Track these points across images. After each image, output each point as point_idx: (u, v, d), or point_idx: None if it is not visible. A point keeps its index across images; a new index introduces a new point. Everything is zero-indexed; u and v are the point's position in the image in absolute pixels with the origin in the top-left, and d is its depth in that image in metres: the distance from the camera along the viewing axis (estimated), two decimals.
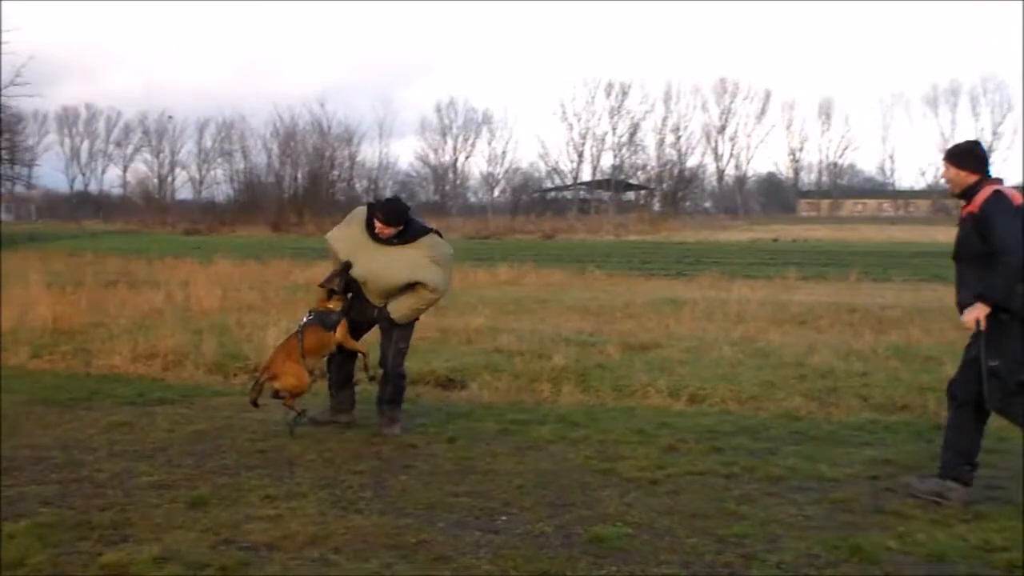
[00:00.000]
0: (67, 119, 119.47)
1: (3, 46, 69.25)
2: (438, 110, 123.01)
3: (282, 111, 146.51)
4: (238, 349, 11.89)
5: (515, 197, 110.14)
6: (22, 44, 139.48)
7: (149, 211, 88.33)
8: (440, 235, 8.49)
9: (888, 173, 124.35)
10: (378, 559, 5.28)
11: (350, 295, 8.44)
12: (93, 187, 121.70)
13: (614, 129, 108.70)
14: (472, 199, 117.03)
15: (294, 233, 65.84)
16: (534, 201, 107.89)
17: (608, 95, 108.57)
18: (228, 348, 12.03)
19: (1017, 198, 6.15)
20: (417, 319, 8.64)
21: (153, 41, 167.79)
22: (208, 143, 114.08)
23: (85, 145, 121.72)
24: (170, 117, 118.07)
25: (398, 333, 8.46)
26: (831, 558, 5.38)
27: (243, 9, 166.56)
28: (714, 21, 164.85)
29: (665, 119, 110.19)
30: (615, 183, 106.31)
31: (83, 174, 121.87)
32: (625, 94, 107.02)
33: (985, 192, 6.17)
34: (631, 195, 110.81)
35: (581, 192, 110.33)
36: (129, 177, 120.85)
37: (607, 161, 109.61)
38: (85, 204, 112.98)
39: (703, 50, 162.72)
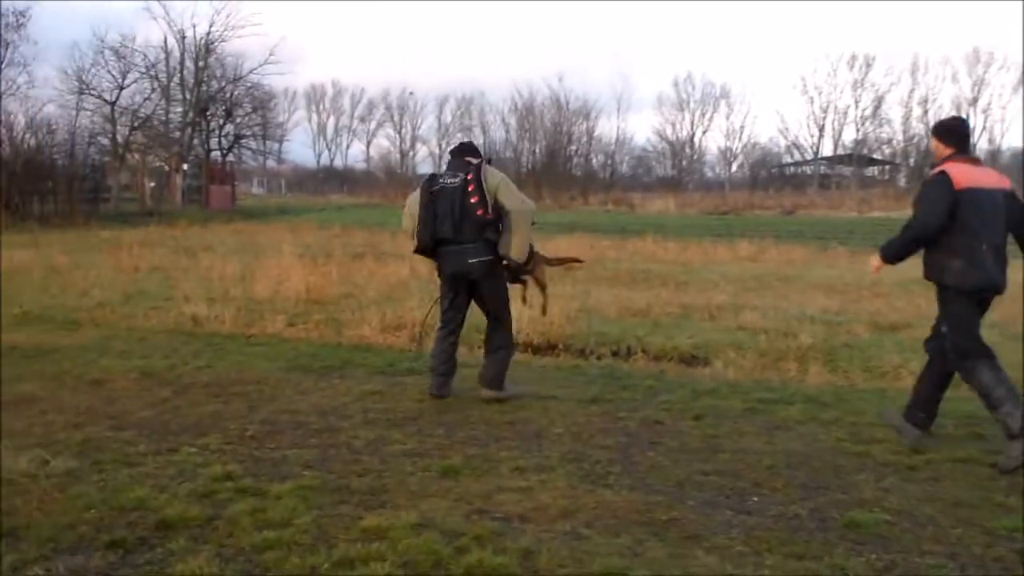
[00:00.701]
0: (315, 96, 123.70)
1: (256, 27, 72.34)
2: (675, 84, 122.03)
3: (520, 86, 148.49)
4: (482, 322, 12.08)
5: (753, 172, 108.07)
6: (274, 24, 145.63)
7: (391, 185, 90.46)
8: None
9: None
10: (629, 535, 5.28)
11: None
12: (338, 162, 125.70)
13: (857, 102, 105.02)
14: (709, 174, 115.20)
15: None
16: (772, 176, 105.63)
17: (851, 67, 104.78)
18: (472, 321, 12.24)
19: (962, 181, 6.74)
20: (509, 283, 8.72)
21: (395, 18, 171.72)
22: (448, 118, 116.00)
23: (331, 121, 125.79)
24: (411, 93, 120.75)
25: (497, 292, 8.63)
26: None
27: None
28: None
29: (912, 91, 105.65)
30: (857, 158, 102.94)
31: (329, 149, 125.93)
32: (869, 66, 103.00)
33: (940, 167, 6.90)
34: (874, 170, 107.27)
35: (822, 167, 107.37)
36: (372, 152, 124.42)
37: (849, 135, 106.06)
38: (331, 178, 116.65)
39: (953, 19, 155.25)
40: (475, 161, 8.25)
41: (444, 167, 8.49)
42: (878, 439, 7.25)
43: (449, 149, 8.91)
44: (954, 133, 7.14)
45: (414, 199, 8.42)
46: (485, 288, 8.41)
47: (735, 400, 8.51)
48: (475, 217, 8.03)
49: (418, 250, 8.44)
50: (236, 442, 7.05)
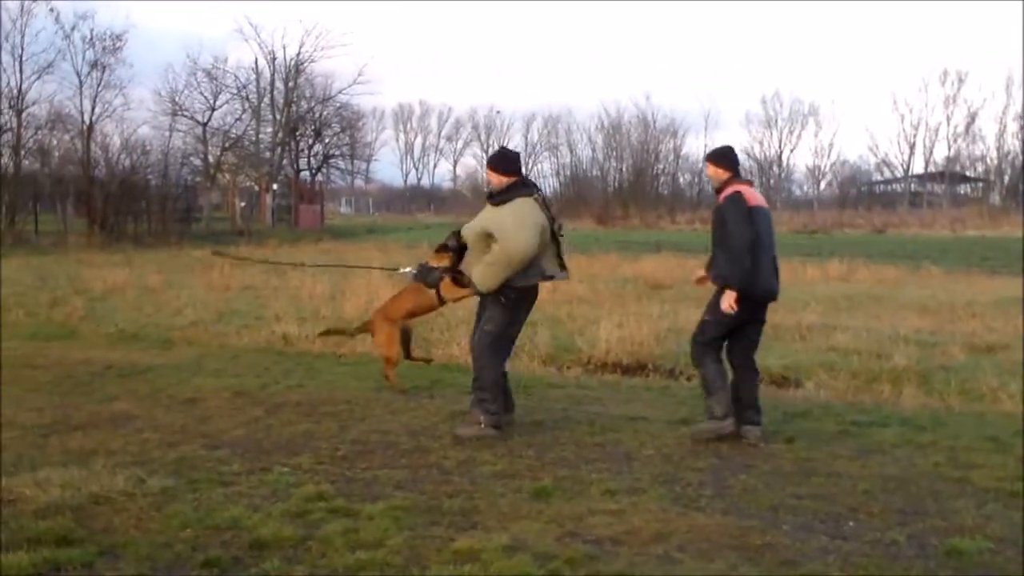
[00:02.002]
0: (402, 115, 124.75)
1: (345, 47, 73.02)
2: (763, 102, 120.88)
3: (607, 104, 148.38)
4: (571, 342, 12.08)
5: (842, 190, 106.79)
6: (363, 44, 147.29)
7: (478, 204, 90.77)
8: (540, 198, 7.98)
9: None
10: (723, 560, 5.21)
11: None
12: (425, 181, 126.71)
13: (949, 119, 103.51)
14: (797, 192, 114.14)
15: (619, 227, 66.44)
16: (862, 194, 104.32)
17: (943, 83, 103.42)
18: (561, 341, 12.24)
19: (752, 199, 7.65)
20: (510, 300, 7.94)
21: (482, 38, 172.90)
22: (534, 136, 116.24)
23: (418, 140, 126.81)
24: (498, 112, 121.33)
25: (486, 314, 8.13)
26: None
27: (569, 5, 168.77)
28: None
29: (1006, 107, 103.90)
30: (949, 175, 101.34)
31: (416, 168, 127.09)
32: (962, 82, 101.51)
33: (728, 190, 7.69)
34: (967, 188, 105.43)
35: (912, 185, 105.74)
36: (459, 171, 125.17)
37: (941, 152, 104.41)
38: (418, 197, 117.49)
39: None
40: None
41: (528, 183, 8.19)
42: (978, 464, 7.09)
43: (505, 158, 8.37)
44: (729, 159, 7.95)
45: (539, 214, 7.88)
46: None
47: (828, 422, 8.40)
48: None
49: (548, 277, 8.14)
50: (328, 462, 7.09)
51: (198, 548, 5.24)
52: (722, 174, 7.88)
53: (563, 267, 8.13)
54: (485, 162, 8.28)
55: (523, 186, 7.99)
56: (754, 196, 7.77)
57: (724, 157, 7.98)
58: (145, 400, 9.18)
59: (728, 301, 7.54)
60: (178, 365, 11.11)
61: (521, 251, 7.65)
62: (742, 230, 7.52)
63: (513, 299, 7.90)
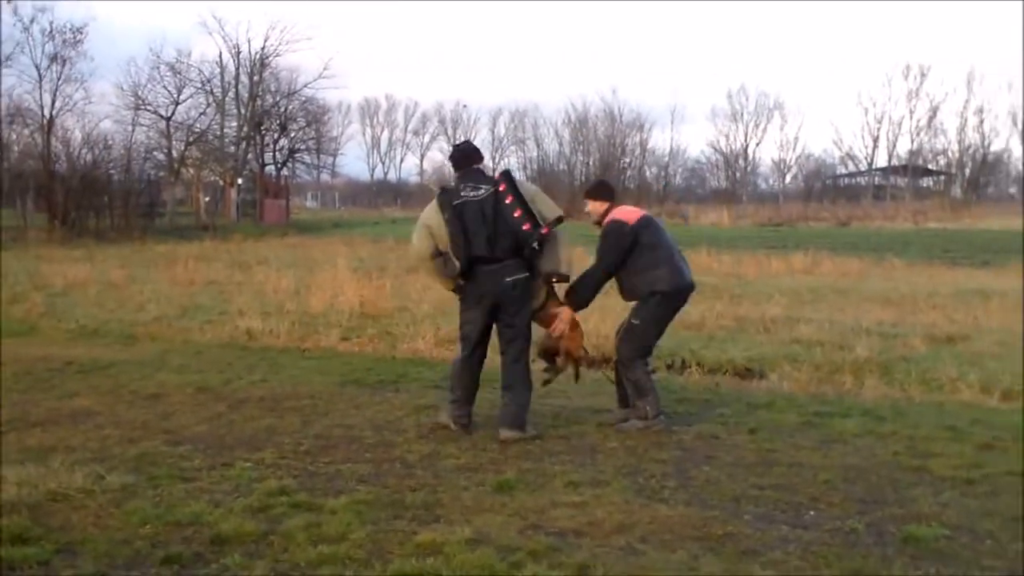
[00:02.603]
0: (368, 109, 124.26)
1: (310, 41, 72.94)
2: (729, 96, 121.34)
3: (574, 99, 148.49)
4: (535, 336, 12.04)
5: (807, 184, 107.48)
6: (328, 39, 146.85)
7: None
8: (443, 200, 7.70)
9: None
10: (685, 550, 5.23)
11: None
12: (392, 175, 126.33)
13: (912, 112, 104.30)
14: (763, 186, 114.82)
15: (586, 220, 66.22)
16: (826, 188, 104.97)
17: (906, 77, 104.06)
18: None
19: (631, 218, 7.95)
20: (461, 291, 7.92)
21: (448, 32, 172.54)
22: (501, 131, 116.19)
23: (385, 135, 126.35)
24: (465, 106, 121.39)
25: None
26: None
27: (536, 2, 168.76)
28: None
29: (967, 101, 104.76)
30: (912, 168, 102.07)
31: (383, 163, 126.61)
32: (924, 76, 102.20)
33: (609, 217, 7.99)
34: (929, 181, 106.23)
35: (876, 178, 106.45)
36: (426, 165, 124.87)
37: (904, 146, 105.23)
38: (384, 192, 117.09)
39: (1008, 29, 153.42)
40: (482, 166, 7.96)
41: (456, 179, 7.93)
42: (936, 453, 7.17)
43: (450, 156, 8.23)
44: (606, 189, 8.37)
45: (432, 215, 7.73)
46: (513, 310, 7.69)
47: (791, 414, 8.44)
48: (521, 232, 7.45)
49: (460, 272, 7.64)
50: (291, 456, 7.07)
51: (158, 544, 5.22)
52: (601, 206, 8.12)
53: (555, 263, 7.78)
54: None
55: (443, 191, 7.87)
56: (632, 213, 8.05)
57: (599, 190, 8.32)
58: (106, 396, 9.12)
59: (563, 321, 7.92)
60: (140, 361, 11.05)
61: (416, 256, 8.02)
62: (614, 257, 7.89)
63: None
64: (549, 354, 8.14)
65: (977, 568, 5.03)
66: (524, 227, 7.48)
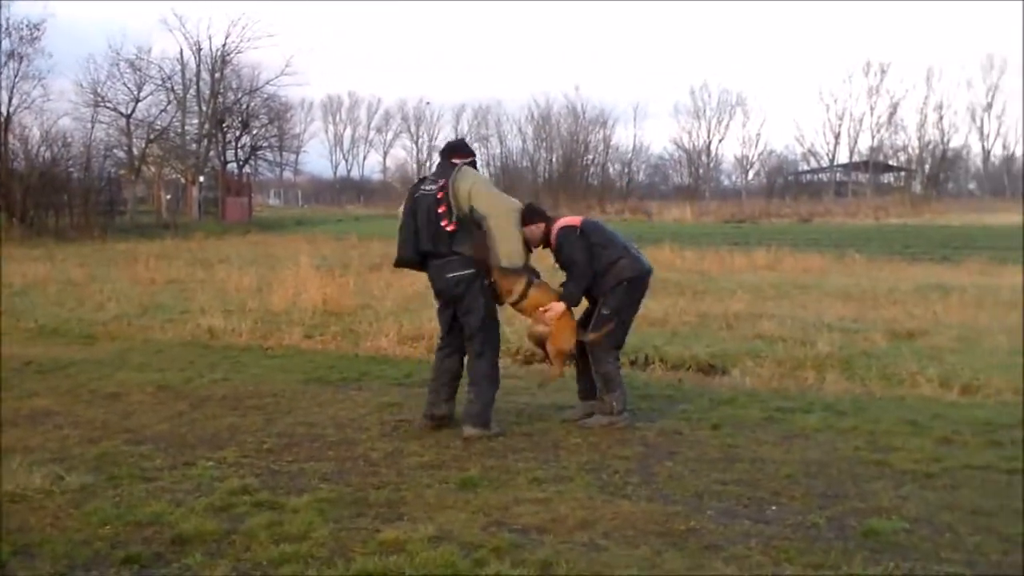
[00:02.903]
0: (331, 107, 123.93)
1: (272, 38, 72.72)
2: (692, 93, 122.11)
3: (537, 96, 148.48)
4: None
5: (770, 180, 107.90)
6: (290, 35, 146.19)
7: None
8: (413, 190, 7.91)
9: None
10: (648, 545, 5.26)
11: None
12: (355, 173, 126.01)
13: (872, 109, 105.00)
14: (726, 182, 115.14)
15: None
16: (789, 184, 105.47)
17: (866, 74, 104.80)
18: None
19: (575, 221, 8.14)
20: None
21: (411, 29, 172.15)
22: (465, 128, 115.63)
23: (348, 132, 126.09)
24: (428, 103, 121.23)
25: None
26: None
27: None
28: None
29: (927, 98, 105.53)
30: (873, 164, 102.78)
31: (346, 160, 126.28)
32: (884, 73, 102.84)
33: (554, 230, 8.01)
34: (890, 177, 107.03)
35: (838, 174, 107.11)
36: (389, 163, 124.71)
37: (865, 142, 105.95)
38: (347, 189, 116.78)
39: (967, 26, 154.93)
40: (460, 162, 7.80)
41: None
42: (896, 447, 7.22)
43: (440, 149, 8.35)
44: (536, 212, 8.10)
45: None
46: (463, 307, 7.71)
47: (753, 409, 8.48)
48: (442, 229, 7.52)
49: (397, 263, 8.00)
50: (253, 455, 7.05)
51: (118, 545, 5.19)
52: (538, 229, 7.99)
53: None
54: None
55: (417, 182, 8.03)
56: (573, 219, 8.22)
57: (530, 215, 7.97)
58: (66, 396, 9.05)
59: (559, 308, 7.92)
60: (100, 360, 10.97)
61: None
62: (582, 255, 7.94)
63: None
64: (540, 345, 8.20)
65: (936, 561, 5.08)
66: (442, 223, 7.53)
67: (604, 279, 7.98)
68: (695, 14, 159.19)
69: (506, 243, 7.64)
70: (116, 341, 12.52)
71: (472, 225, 7.60)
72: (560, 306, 7.86)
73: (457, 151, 7.97)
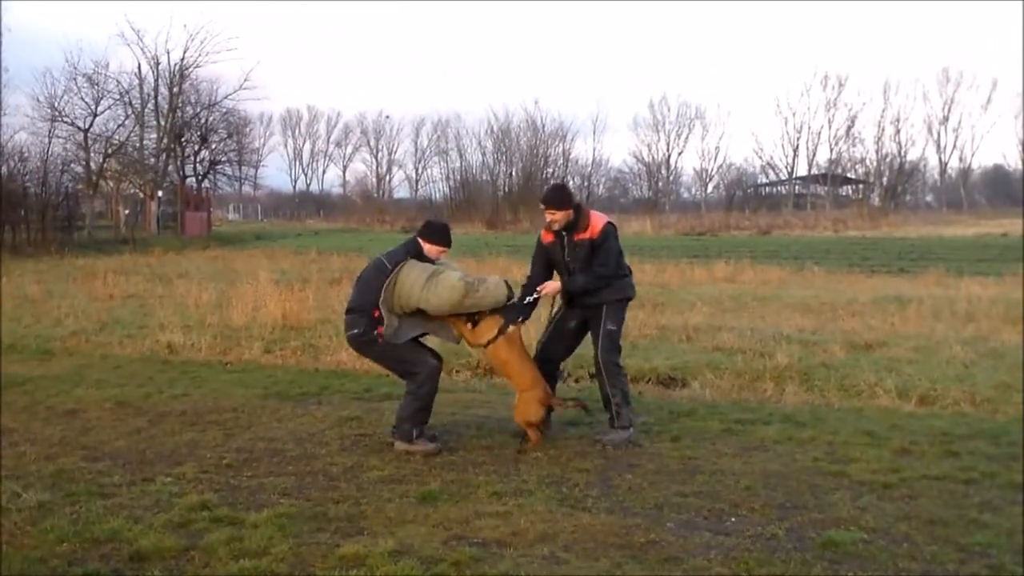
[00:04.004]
0: (290, 121, 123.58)
1: (231, 52, 72.68)
2: (651, 106, 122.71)
3: (496, 109, 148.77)
4: (460, 347, 12.03)
5: (729, 193, 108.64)
6: (249, 50, 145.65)
7: (368, 210, 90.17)
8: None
9: None
10: (608, 558, 5.28)
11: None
12: (315, 187, 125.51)
13: (830, 122, 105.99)
14: (685, 195, 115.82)
15: (509, 231, 66.55)
16: (748, 197, 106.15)
17: (824, 87, 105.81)
18: (449, 346, 12.19)
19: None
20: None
21: (370, 43, 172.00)
22: (424, 142, 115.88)
23: (307, 146, 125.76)
24: (387, 117, 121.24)
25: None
26: None
27: (457, 9, 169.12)
28: (935, 9, 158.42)
29: (884, 111, 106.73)
30: (832, 177, 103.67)
31: (305, 174, 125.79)
32: (842, 86, 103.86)
33: (602, 222, 7.99)
34: (848, 189, 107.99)
35: (796, 187, 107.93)
36: (348, 177, 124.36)
37: (823, 155, 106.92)
38: (307, 203, 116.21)
39: (923, 40, 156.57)
40: (426, 247, 7.86)
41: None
42: (854, 458, 7.28)
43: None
44: (569, 198, 8.05)
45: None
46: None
47: (713, 421, 8.52)
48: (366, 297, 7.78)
49: None
50: (212, 471, 7.01)
51: (75, 562, 5.15)
52: (562, 215, 7.96)
53: None
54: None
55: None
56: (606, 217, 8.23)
57: (566, 200, 8.02)
58: (22, 413, 8.97)
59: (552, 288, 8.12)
60: (58, 376, 10.87)
61: None
62: (618, 257, 8.09)
63: None
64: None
65: (894, 570, 5.13)
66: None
67: (611, 289, 8.02)
68: (654, 27, 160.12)
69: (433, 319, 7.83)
70: (74, 357, 12.41)
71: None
72: (554, 285, 8.05)
73: (427, 235, 7.96)
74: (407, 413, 7.70)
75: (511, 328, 7.88)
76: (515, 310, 7.98)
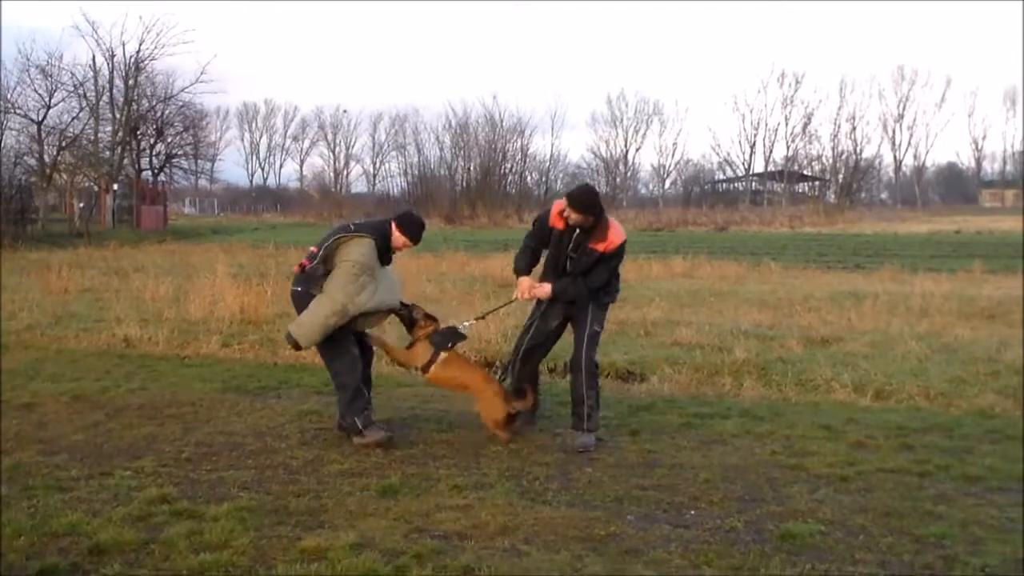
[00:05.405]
0: (247, 115, 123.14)
1: (187, 45, 71.78)
2: (609, 102, 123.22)
3: (455, 104, 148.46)
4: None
5: (686, 189, 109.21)
6: (205, 43, 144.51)
7: (325, 204, 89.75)
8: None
9: None
10: (568, 551, 5.31)
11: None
12: (272, 181, 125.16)
13: (787, 119, 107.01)
14: (643, 191, 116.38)
15: (467, 226, 66.51)
16: (705, 193, 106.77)
17: (781, 84, 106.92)
18: (408, 340, 12.19)
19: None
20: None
21: (328, 36, 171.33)
22: (382, 136, 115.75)
23: (264, 140, 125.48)
24: (345, 111, 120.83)
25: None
26: None
27: (415, 4, 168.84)
28: (891, 8, 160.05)
29: (840, 108, 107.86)
30: (788, 174, 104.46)
31: (262, 168, 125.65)
32: (798, 83, 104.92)
33: (619, 238, 7.81)
34: (804, 186, 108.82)
35: (753, 183, 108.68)
36: (305, 171, 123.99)
37: (780, 152, 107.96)
38: (264, 197, 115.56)
39: (879, 38, 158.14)
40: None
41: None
42: (812, 451, 7.36)
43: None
44: (598, 204, 7.77)
45: None
46: None
47: (671, 415, 8.58)
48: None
49: None
50: (171, 464, 6.98)
51: (33, 556, 5.12)
52: (584, 219, 7.69)
53: None
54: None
55: None
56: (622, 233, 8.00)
57: (592, 206, 7.73)
58: None
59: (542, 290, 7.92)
60: (13, 370, 10.75)
61: None
62: (611, 276, 7.99)
63: None
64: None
65: (851, 562, 5.20)
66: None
67: (601, 294, 7.93)
68: (612, 22, 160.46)
69: (308, 318, 7.86)
70: (29, 351, 12.28)
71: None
72: (545, 289, 7.86)
73: (402, 223, 7.95)
74: (343, 407, 7.73)
75: (442, 354, 7.90)
76: (448, 335, 8.01)
